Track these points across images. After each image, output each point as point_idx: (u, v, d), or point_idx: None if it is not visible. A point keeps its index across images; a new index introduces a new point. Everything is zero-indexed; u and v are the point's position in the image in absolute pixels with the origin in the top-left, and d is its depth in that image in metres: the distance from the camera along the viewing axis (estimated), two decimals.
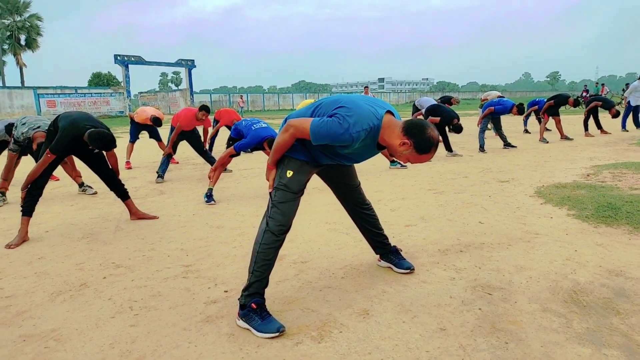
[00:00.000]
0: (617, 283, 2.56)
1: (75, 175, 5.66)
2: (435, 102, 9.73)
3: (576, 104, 10.20)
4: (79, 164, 4.91)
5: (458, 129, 7.60)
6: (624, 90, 26.44)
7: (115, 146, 3.92)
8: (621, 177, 5.25)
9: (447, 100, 11.58)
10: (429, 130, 2.04)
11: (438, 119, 7.60)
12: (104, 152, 4.10)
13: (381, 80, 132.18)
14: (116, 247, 3.49)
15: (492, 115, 8.83)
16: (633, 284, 2.53)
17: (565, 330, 2.08)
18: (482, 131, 8.76)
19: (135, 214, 4.27)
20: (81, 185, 5.63)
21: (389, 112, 2.12)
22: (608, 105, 10.62)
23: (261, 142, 4.89)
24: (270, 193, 2.30)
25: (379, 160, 6.97)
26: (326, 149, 2.23)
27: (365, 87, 9.94)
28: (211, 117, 7.75)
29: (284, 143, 2.21)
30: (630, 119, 12.10)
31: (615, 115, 10.69)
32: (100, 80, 53.14)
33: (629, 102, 12.04)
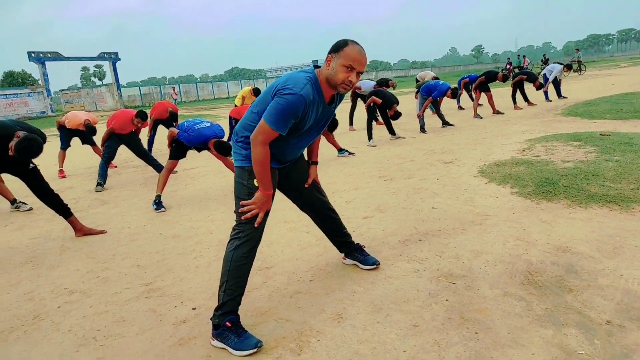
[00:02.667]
0: (565, 259, 2.75)
1: (5, 191, 5.22)
2: (376, 84, 9.90)
3: (505, 79, 10.75)
4: (8, 178, 4.54)
5: (396, 117, 7.78)
6: (542, 60, 28.20)
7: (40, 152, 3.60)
8: (553, 150, 5.62)
9: (384, 82, 11.78)
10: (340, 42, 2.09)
11: (380, 100, 7.73)
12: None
13: (315, 61, 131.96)
14: (66, 269, 3.28)
15: (427, 96, 9.09)
16: (579, 259, 2.74)
17: (527, 313, 2.22)
18: (423, 111, 9.03)
19: (81, 230, 4.03)
20: (13, 201, 5.21)
21: (315, 66, 2.19)
22: (532, 79, 11.31)
23: (206, 142, 4.75)
24: (235, 210, 2.25)
25: (327, 149, 7.00)
26: (293, 134, 2.18)
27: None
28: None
29: (261, 156, 2.10)
30: (551, 89, 12.94)
31: (540, 87, 11.40)
32: (13, 80, 49.02)
33: (544, 74, 12.88)
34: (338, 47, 2.07)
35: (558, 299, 2.33)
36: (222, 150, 4.75)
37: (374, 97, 7.73)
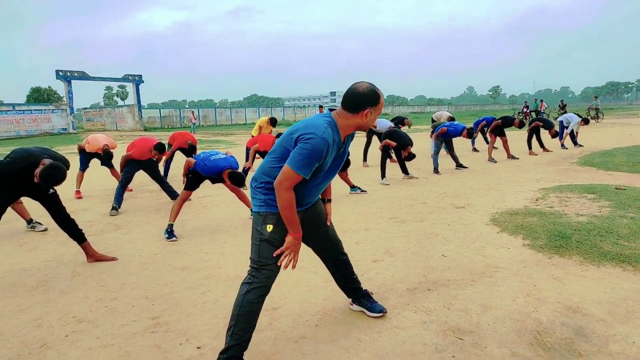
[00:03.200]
0: (576, 321, 2.71)
1: (22, 210, 5.33)
2: (392, 125, 10.01)
3: (521, 125, 10.81)
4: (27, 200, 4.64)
5: (410, 158, 7.84)
6: (560, 106, 28.24)
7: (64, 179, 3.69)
8: (567, 202, 5.59)
9: (400, 121, 11.90)
10: (361, 90, 2.19)
11: (394, 143, 7.80)
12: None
13: (333, 94, 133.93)
14: (75, 296, 3.32)
15: (444, 137, 9.19)
16: (589, 322, 2.70)
17: None
18: (436, 153, 9.08)
19: (93, 256, 4.08)
20: (30, 221, 5.31)
21: (330, 109, 2.30)
22: (548, 126, 11.34)
23: (220, 172, 4.83)
24: (250, 256, 2.29)
25: (339, 185, 7.05)
26: (314, 176, 2.25)
27: (320, 107, 10.05)
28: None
29: (288, 201, 2.17)
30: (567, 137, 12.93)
31: (555, 135, 11.41)
32: (39, 96, 50.50)
33: (561, 122, 12.90)
34: (375, 101, 2.19)
35: None
36: (236, 181, 4.83)
37: (387, 140, 7.81)
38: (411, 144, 7.75)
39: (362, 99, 2.17)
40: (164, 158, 8.12)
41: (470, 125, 10.51)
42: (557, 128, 11.98)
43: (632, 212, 4.84)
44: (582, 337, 2.54)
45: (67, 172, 3.72)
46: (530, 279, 3.36)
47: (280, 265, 2.33)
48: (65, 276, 3.76)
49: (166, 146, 7.82)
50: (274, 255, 2.29)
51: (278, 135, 7.87)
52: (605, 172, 8.14)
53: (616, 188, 6.18)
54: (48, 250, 4.51)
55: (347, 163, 6.52)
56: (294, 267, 2.33)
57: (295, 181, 2.15)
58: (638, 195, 5.61)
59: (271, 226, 2.27)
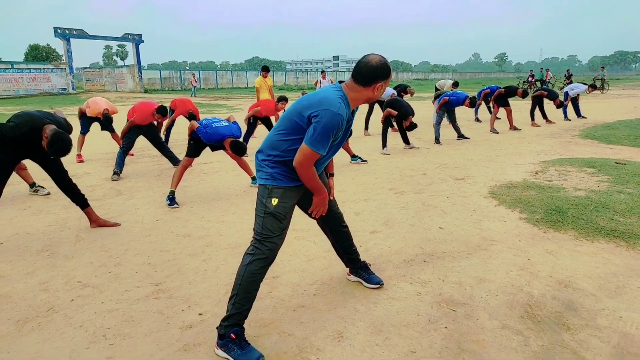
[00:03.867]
0: (567, 295, 2.79)
1: (25, 174, 5.37)
2: (394, 93, 9.90)
3: (524, 95, 10.71)
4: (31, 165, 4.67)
5: (411, 128, 7.78)
6: (566, 75, 27.82)
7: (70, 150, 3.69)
8: (566, 176, 5.62)
9: (402, 89, 11.77)
10: (373, 63, 2.18)
11: (396, 112, 7.75)
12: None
13: (336, 58, 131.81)
14: (80, 262, 3.40)
15: (446, 107, 9.12)
16: (580, 296, 2.78)
17: (523, 349, 2.27)
18: (438, 124, 9.04)
19: (96, 222, 4.15)
20: (32, 185, 5.36)
21: (340, 82, 2.31)
22: (553, 96, 11.23)
23: (222, 140, 4.84)
24: (254, 226, 2.34)
25: (340, 154, 7.06)
26: (331, 148, 2.31)
27: (322, 71, 9.87)
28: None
29: (311, 176, 2.26)
30: (570, 108, 12.82)
31: (560, 105, 11.32)
32: (38, 54, 49.65)
33: (566, 92, 12.76)
34: (387, 74, 2.20)
35: (555, 337, 2.37)
36: (238, 150, 4.84)
37: (389, 110, 7.75)
38: (413, 113, 7.70)
39: (374, 73, 2.17)
40: (165, 123, 8.09)
41: (473, 94, 10.41)
42: (562, 98, 11.88)
43: (631, 188, 4.88)
44: (572, 311, 2.62)
45: (70, 137, 3.72)
46: (524, 253, 3.43)
47: (283, 238, 2.37)
48: (69, 241, 3.83)
49: (168, 110, 7.81)
50: (310, 211, 2.49)
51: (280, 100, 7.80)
52: (606, 146, 8.13)
53: (616, 162, 6.20)
54: (51, 214, 4.58)
55: (349, 133, 6.50)
56: (320, 215, 2.53)
57: (315, 158, 2.18)
58: (637, 170, 5.63)
59: (276, 200, 2.30)
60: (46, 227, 4.19)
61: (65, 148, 3.55)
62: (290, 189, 2.34)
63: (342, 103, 2.14)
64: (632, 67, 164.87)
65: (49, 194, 5.29)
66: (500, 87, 10.99)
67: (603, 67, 30.61)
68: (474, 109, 13.10)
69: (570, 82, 18.53)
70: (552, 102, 11.24)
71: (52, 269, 3.27)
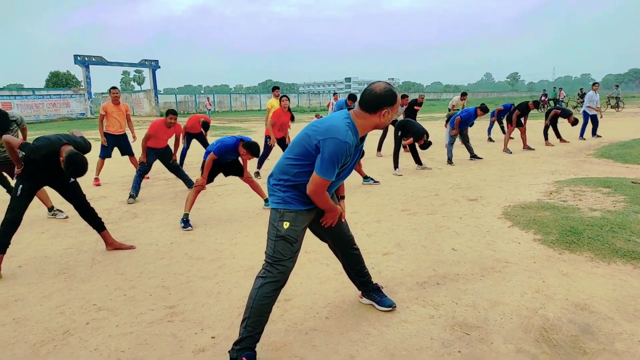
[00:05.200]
0: (583, 318, 2.75)
1: (44, 198, 5.49)
2: (404, 113, 9.96)
3: (536, 105, 10.64)
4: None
5: (426, 147, 7.80)
6: (579, 94, 27.66)
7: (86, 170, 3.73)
8: (581, 196, 5.56)
9: (413, 104, 11.85)
10: (378, 91, 2.23)
11: (411, 139, 7.80)
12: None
13: (348, 80, 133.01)
14: (95, 285, 3.45)
15: (462, 127, 9.12)
16: (596, 319, 2.73)
17: None
18: (451, 144, 9.04)
19: (112, 245, 4.22)
20: (51, 209, 5.48)
21: (349, 109, 2.35)
22: (566, 114, 11.16)
23: (235, 146, 4.96)
24: (266, 250, 2.37)
25: (352, 175, 7.09)
26: (340, 174, 2.37)
27: (334, 93, 9.94)
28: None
29: (325, 201, 2.38)
30: (589, 127, 12.70)
31: (574, 122, 11.23)
32: (58, 80, 51.10)
33: (584, 112, 12.66)
34: (393, 101, 2.24)
35: None
36: (252, 150, 4.96)
37: (405, 141, 7.84)
38: (425, 132, 7.71)
39: (379, 100, 2.22)
40: (180, 146, 8.24)
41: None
42: (578, 117, 11.80)
43: None
44: (589, 334, 2.57)
45: (88, 154, 3.81)
46: (539, 275, 3.39)
47: (295, 261, 2.40)
48: (86, 264, 3.90)
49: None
50: (321, 220, 2.53)
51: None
52: (622, 165, 8.03)
53: (632, 182, 6.11)
54: (69, 237, 4.67)
55: (361, 154, 6.54)
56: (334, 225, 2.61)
57: (326, 185, 2.26)
58: None
59: (288, 223, 2.33)
60: (63, 250, 4.27)
61: (81, 168, 3.64)
62: (301, 213, 2.38)
63: (349, 131, 2.19)
64: None
65: (67, 217, 5.39)
66: (513, 105, 11.03)
67: (617, 86, 30.34)
68: (487, 130, 13.11)
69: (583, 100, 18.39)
70: (566, 120, 11.16)
71: (69, 292, 3.33)
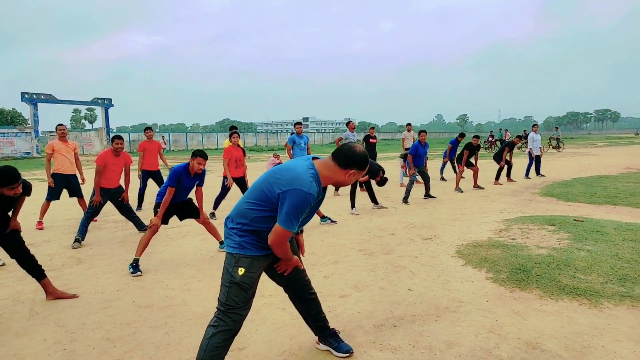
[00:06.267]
0: (534, 357, 2.79)
1: None
2: (358, 139, 10.23)
3: (475, 138, 11.22)
4: None
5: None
6: (523, 136, 29.39)
7: (15, 180, 3.50)
8: (529, 234, 5.78)
9: (367, 138, 12.28)
10: (356, 151, 2.29)
11: (366, 177, 7.92)
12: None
13: (305, 119, 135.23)
14: (32, 339, 3.19)
15: (416, 163, 9.30)
16: (547, 358, 2.78)
17: None
18: (412, 183, 9.24)
19: (53, 294, 3.95)
20: None
21: (314, 158, 2.36)
22: (511, 147, 12.03)
23: (186, 166, 4.91)
24: (219, 296, 2.29)
25: None
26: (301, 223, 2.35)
27: (296, 123, 9.77)
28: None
29: (286, 252, 2.38)
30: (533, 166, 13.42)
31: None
32: (2, 118, 48.98)
33: (529, 152, 13.39)
34: (364, 166, 2.32)
35: None
36: (201, 153, 4.89)
37: (360, 179, 7.92)
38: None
39: (355, 159, 2.28)
40: (130, 182, 7.98)
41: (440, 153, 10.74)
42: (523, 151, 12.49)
43: (589, 245, 5.05)
44: None
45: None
46: (492, 314, 3.45)
47: (249, 308, 2.33)
48: (22, 316, 3.61)
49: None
50: (276, 266, 2.51)
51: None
52: (565, 203, 8.47)
53: (574, 220, 6.44)
54: (4, 287, 4.33)
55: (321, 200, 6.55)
56: (287, 274, 2.58)
57: (288, 236, 2.24)
58: (594, 227, 5.85)
59: (243, 270, 2.28)
60: None
61: (10, 171, 3.46)
62: (258, 259, 2.33)
63: (313, 182, 2.19)
64: (584, 126, 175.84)
65: (3, 264, 5.02)
66: (457, 140, 11.84)
67: (557, 127, 32.48)
68: (440, 168, 13.59)
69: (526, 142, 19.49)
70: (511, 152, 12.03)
71: (1, 348, 3.05)
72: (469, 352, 2.87)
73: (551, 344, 2.96)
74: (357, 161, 2.27)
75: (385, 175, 7.85)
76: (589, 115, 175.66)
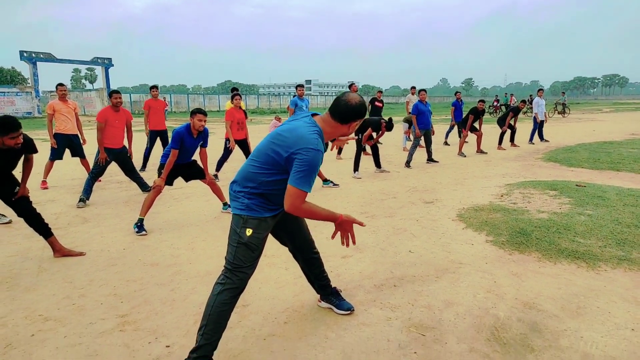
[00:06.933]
0: (531, 317, 2.87)
1: None
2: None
3: (481, 102, 11.07)
4: None
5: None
6: (529, 100, 29.00)
7: (15, 128, 3.50)
8: (530, 199, 5.81)
9: (374, 99, 12.24)
10: (352, 103, 2.27)
11: (369, 134, 7.87)
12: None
13: (308, 82, 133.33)
14: (42, 294, 3.28)
15: (420, 124, 9.21)
16: (543, 317, 2.85)
17: None
18: (415, 146, 9.21)
19: (60, 251, 4.02)
20: None
21: (312, 114, 2.35)
22: (516, 112, 11.88)
23: (187, 126, 4.89)
24: (226, 255, 2.33)
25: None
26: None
27: (298, 86, 9.54)
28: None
29: (310, 212, 2.26)
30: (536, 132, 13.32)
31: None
32: (1, 77, 48.35)
33: (534, 117, 13.26)
34: (363, 113, 2.29)
35: (520, 359, 2.42)
36: (200, 110, 4.90)
37: (365, 135, 7.85)
38: (380, 121, 7.77)
39: (353, 113, 2.27)
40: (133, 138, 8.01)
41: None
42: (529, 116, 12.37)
43: (590, 210, 5.08)
44: (536, 332, 2.68)
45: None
46: (491, 275, 3.51)
47: (255, 267, 2.36)
48: (31, 272, 3.70)
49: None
50: (332, 237, 2.49)
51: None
52: (567, 168, 8.46)
53: (577, 185, 6.45)
54: (13, 244, 4.42)
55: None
56: (354, 243, 2.47)
57: (305, 197, 2.19)
58: (596, 192, 5.87)
59: (251, 230, 2.30)
60: (6, 257, 4.04)
61: (10, 118, 3.50)
62: (265, 220, 2.35)
63: (319, 139, 2.19)
64: (591, 92, 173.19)
65: (10, 222, 5.10)
66: (459, 101, 12.15)
67: (564, 92, 32.02)
68: (445, 132, 13.50)
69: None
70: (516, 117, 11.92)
71: (12, 302, 3.15)
72: (467, 311, 2.95)
73: (548, 304, 3.03)
74: (355, 113, 2.26)
75: (387, 119, 7.78)
76: (596, 81, 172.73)
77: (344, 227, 2.41)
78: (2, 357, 2.48)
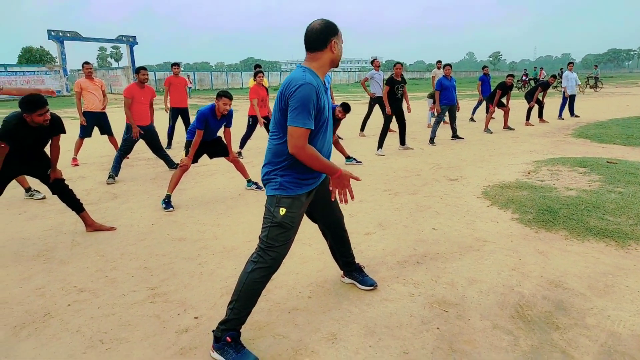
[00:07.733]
0: (557, 295, 2.84)
1: (21, 179, 5.38)
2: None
3: (510, 77, 10.77)
4: None
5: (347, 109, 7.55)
6: (559, 74, 28.04)
7: (42, 105, 3.60)
8: (558, 175, 5.68)
9: (392, 78, 11.95)
10: (318, 25, 2.27)
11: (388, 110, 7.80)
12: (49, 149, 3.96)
13: None
14: (76, 266, 3.42)
15: (443, 101, 9.00)
16: (569, 296, 2.83)
17: (513, 348, 2.32)
18: (438, 123, 9.06)
19: (92, 226, 4.17)
20: (28, 189, 5.37)
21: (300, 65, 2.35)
22: (545, 87, 11.54)
23: (212, 107, 4.93)
24: (260, 234, 2.34)
25: (335, 156, 7.09)
26: (318, 126, 2.26)
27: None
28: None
29: (311, 156, 2.18)
30: (566, 107, 12.92)
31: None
32: (31, 56, 49.42)
33: (563, 93, 12.84)
34: (335, 29, 2.30)
35: (545, 336, 2.42)
36: (225, 93, 4.93)
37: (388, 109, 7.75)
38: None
39: (324, 33, 2.25)
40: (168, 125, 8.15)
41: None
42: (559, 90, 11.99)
43: (621, 187, 4.94)
44: (561, 310, 2.67)
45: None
46: (516, 253, 3.48)
47: (289, 247, 2.37)
48: (65, 245, 3.85)
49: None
50: (333, 199, 2.44)
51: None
52: (599, 145, 8.21)
53: (607, 162, 6.26)
54: (47, 219, 4.59)
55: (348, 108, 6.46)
56: (352, 198, 2.41)
57: (306, 135, 2.14)
58: (628, 169, 5.70)
59: (284, 210, 2.29)
60: (42, 232, 4.21)
61: (36, 96, 3.61)
62: (298, 198, 2.33)
63: (306, 74, 2.18)
64: (625, 64, 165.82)
65: (44, 197, 5.30)
66: (487, 75, 11.69)
67: (596, 66, 30.79)
68: (472, 108, 13.20)
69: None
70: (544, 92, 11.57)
71: (49, 274, 3.29)
72: (490, 289, 2.94)
73: (574, 282, 2.99)
74: (328, 32, 2.25)
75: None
76: (632, 53, 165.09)
77: (342, 181, 2.34)
78: (42, 324, 2.61)
